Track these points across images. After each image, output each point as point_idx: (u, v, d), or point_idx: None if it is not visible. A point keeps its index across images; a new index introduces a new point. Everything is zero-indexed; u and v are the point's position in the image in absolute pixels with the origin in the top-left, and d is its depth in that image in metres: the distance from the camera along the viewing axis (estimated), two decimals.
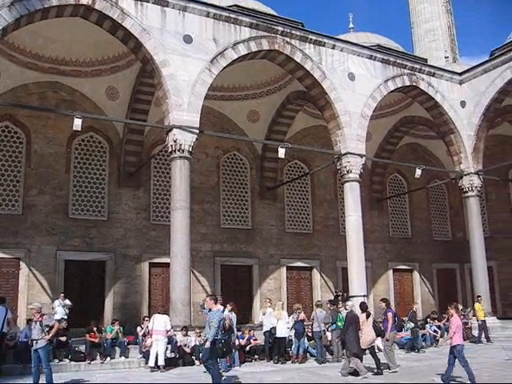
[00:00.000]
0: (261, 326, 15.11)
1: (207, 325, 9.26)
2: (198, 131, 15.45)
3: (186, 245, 14.80)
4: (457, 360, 9.74)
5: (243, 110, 21.93)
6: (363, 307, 11.91)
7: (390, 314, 11.87)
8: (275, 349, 14.08)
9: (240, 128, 22.12)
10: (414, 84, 20.57)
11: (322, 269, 23.48)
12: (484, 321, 18.18)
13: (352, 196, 18.32)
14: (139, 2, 15.18)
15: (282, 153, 17.49)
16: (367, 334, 11.35)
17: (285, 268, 22.66)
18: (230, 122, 22.08)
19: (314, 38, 18.24)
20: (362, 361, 11.26)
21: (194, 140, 15.36)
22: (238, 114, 21.99)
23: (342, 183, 19.21)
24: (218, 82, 19.43)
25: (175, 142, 15.13)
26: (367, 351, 11.71)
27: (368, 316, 11.51)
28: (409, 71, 20.46)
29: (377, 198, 25.70)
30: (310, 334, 14.77)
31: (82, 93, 19.34)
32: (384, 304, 12.33)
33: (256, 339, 14.94)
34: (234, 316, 13.36)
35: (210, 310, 9.45)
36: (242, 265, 21.79)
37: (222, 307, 10.34)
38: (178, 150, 15.14)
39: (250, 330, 15.37)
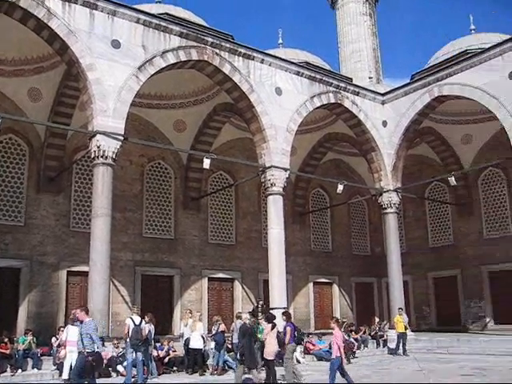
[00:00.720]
0: (181, 337, 14.99)
1: (81, 337, 8.89)
2: (122, 138, 15.18)
3: (106, 253, 14.42)
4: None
5: (170, 118, 21.78)
6: (270, 318, 11.88)
7: (288, 328, 11.91)
8: (191, 360, 14.00)
9: (166, 137, 21.94)
10: (339, 102, 21.15)
11: (244, 280, 23.55)
12: (404, 333, 18.83)
13: (275, 209, 18.54)
14: (67, 3, 14.81)
15: (207, 163, 17.47)
16: (271, 345, 11.37)
17: (206, 279, 22.56)
18: (156, 131, 21.86)
19: (243, 51, 18.42)
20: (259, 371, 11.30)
21: (118, 147, 15.08)
22: (164, 123, 21.82)
23: (265, 196, 19.41)
24: (146, 89, 19.27)
25: (98, 148, 14.78)
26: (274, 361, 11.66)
27: (273, 327, 11.52)
28: (334, 89, 21.02)
29: (299, 211, 26.12)
30: (229, 346, 14.77)
31: (2, 92, 18.58)
32: (284, 317, 12.34)
33: (175, 351, 14.79)
34: (152, 327, 13.16)
35: (81, 321, 9.16)
36: (163, 275, 21.51)
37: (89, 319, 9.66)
38: (101, 157, 14.79)
39: (169, 342, 15.21)
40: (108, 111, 14.98)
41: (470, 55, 20.54)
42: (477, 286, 24.68)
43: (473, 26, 26.49)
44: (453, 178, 20.77)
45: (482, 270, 24.55)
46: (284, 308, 17.04)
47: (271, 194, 18.64)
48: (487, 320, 24.17)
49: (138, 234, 21.05)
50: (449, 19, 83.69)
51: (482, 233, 24.93)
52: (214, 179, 23.74)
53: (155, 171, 22.15)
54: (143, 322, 12.42)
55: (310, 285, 25.93)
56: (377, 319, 26.53)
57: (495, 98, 18.85)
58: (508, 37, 19.89)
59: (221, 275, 23.02)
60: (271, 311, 14.95)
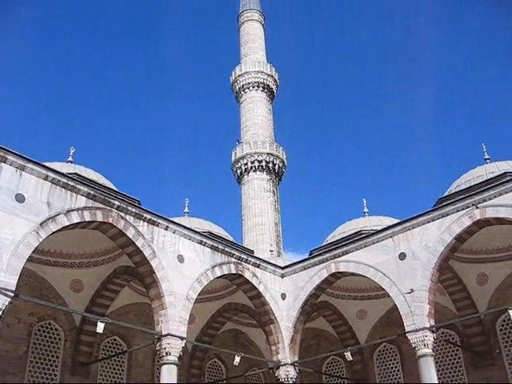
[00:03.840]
0: None
1: None
2: (12, 294, 14.43)
3: None
4: None
5: (67, 277, 21.08)
6: None
7: None
8: None
9: (61, 296, 21.02)
10: (240, 273, 21.51)
11: None
12: None
13: (168, 379, 17.67)
14: None
15: (100, 328, 16.78)
16: None
17: None
18: (52, 289, 20.95)
19: (148, 216, 18.73)
20: None
21: (7, 303, 14.23)
22: (60, 281, 21.03)
23: (159, 365, 18.57)
24: (46, 245, 18.84)
25: None
26: None
27: None
28: (236, 260, 21.47)
29: (194, 382, 24.98)
30: None
31: None
32: None
33: None
34: None
35: None
36: None
37: None
38: None
39: None
40: (1, 265, 14.35)
41: (364, 235, 21.88)
42: None
43: (366, 209, 28.56)
44: (349, 353, 21.01)
45: None
46: None
47: (165, 364, 17.87)
48: None
49: None
50: (345, 203, 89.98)
51: None
52: (107, 344, 22.58)
53: (44, 332, 20.83)
54: None
55: None
56: None
57: (387, 276, 19.89)
58: (397, 220, 21.60)
59: None
60: None
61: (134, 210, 18.35)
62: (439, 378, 20.03)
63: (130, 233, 18.09)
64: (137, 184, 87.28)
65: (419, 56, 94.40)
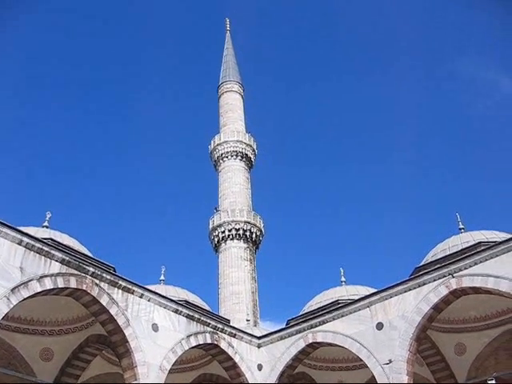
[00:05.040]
0: None
1: None
2: None
3: None
4: None
5: (37, 345, 20.37)
6: None
7: None
8: None
9: (29, 365, 20.25)
10: (216, 342, 21.06)
11: None
12: None
13: None
14: None
15: None
16: None
17: None
18: (20, 357, 20.12)
19: (123, 284, 18.45)
20: None
21: None
22: (30, 350, 20.32)
23: None
24: (16, 312, 18.35)
25: None
26: None
27: None
28: (212, 329, 21.07)
29: None
30: None
31: None
32: None
33: None
34: None
35: None
36: None
37: None
38: None
39: None
40: None
41: (341, 305, 21.70)
42: None
43: (343, 278, 28.47)
44: None
45: None
46: None
47: None
48: None
49: None
50: (322, 272, 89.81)
51: None
52: None
53: None
54: None
55: None
56: None
57: (365, 346, 19.61)
58: (374, 290, 21.53)
59: None
60: None
61: (108, 276, 18.08)
62: None
63: (104, 300, 17.75)
64: (112, 250, 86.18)
65: (396, 122, 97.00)
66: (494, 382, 17.21)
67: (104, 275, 17.94)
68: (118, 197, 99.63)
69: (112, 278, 18.20)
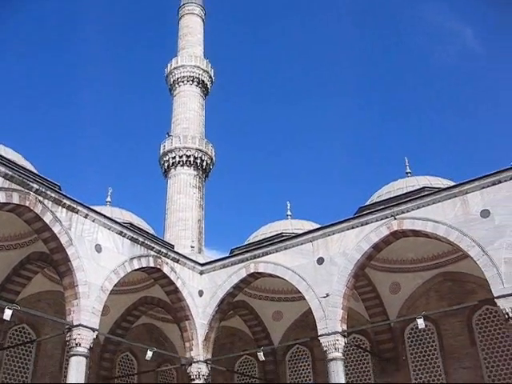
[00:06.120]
0: None
1: None
2: None
3: None
4: None
5: None
6: None
7: None
8: None
9: None
10: (158, 266, 21.23)
11: None
12: None
13: (76, 371, 17.14)
14: None
15: (7, 315, 16.11)
16: None
17: None
18: None
19: (68, 202, 18.16)
20: None
21: None
22: None
23: (68, 356, 18.05)
24: None
25: None
26: None
27: None
28: (155, 253, 21.18)
29: (105, 376, 24.49)
30: None
31: None
32: None
33: None
34: None
35: None
36: None
37: None
38: None
39: None
40: None
41: (284, 238, 22.11)
42: None
43: (289, 212, 28.93)
44: (261, 353, 21.17)
45: None
46: None
47: (75, 355, 17.37)
48: None
49: None
50: (269, 205, 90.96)
51: None
52: (14, 332, 21.73)
53: None
54: None
55: None
56: None
57: (304, 279, 20.16)
58: (318, 226, 21.96)
59: None
60: None
61: (53, 194, 17.73)
62: (347, 381, 20.52)
63: (48, 218, 17.47)
64: (58, 169, 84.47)
65: (354, 62, 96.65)
66: (422, 320, 18.03)
67: (48, 193, 17.58)
68: (67, 115, 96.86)
69: (56, 196, 17.86)
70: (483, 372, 20.84)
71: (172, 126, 43.91)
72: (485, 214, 17.19)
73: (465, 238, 17.30)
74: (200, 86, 45.41)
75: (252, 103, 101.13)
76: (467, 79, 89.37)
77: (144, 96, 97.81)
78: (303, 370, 25.36)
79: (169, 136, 43.04)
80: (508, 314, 15.98)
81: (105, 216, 19.89)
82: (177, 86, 45.29)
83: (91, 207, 19.55)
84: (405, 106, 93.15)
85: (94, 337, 17.97)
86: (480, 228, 17.13)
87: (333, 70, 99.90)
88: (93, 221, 19.04)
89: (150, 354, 20.28)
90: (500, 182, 17.29)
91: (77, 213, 18.50)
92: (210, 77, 46.83)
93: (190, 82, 45.09)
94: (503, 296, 16.15)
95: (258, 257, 21.83)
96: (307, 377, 25.15)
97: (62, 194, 18.21)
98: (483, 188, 17.54)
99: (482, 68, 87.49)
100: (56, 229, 17.67)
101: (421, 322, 17.98)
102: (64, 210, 18.07)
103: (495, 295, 16.35)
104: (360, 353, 23.75)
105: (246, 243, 27.01)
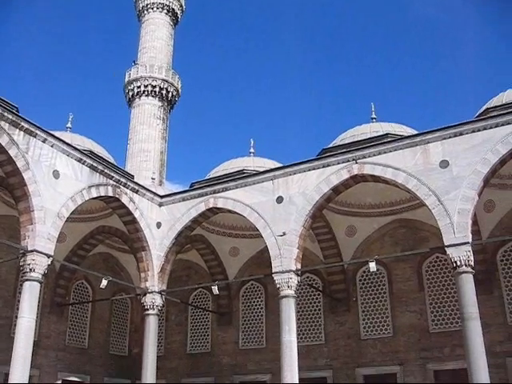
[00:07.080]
0: None
1: None
2: None
3: None
4: None
5: None
6: None
7: None
8: None
9: None
10: (117, 196, 21.03)
11: None
12: None
13: (30, 296, 17.12)
14: None
15: None
16: None
17: None
18: None
19: (25, 125, 17.60)
20: None
21: None
22: None
23: (22, 281, 17.96)
24: None
25: None
26: None
27: None
28: (114, 183, 20.92)
29: (58, 302, 24.59)
30: None
31: None
32: None
33: None
34: None
35: None
36: None
37: None
38: None
39: None
40: None
41: (245, 175, 22.11)
42: None
43: (252, 150, 28.82)
44: (216, 287, 21.54)
45: (235, 379, 25.06)
46: None
47: (28, 280, 17.29)
48: None
49: None
50: (232, 140, 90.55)
51: (238, 343, 25.72)
52: None
53: None
54: None
55: (59, 383, 23.97)
56: None
57: (262, 217, 20.26)
58: (280, 165, 21.94)
59: None
60: None
61: (10, 116, 17.12)
62: (298, 319, 21.09)
63: (4, 140, 16.93)
64: (17, 90, 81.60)
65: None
66: (374, 263, 18.50)
67: (5, 114, 16.95)
68: (31, 36, 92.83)
69: (14, 118, 17.25)
70: (428, 316, 21.72)
71: (139, 55, 42.75)
72: (444, 164, 17.44)
73: (422, 187, 17.58)
74: (170, 14, 44.05)
75: (220, 39, 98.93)
76: (445, 30, 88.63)
77: (112, 21, 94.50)
78: (256, 305, 25.93)
79: (135, 64, 41.94)
80: (456, 263, 16.49)
81: (64, 142, 19.39)
82: (146, 12, 43.82)
83: (50, 132, 19.02)
84: (378, 52, 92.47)
85: (49, 263, 17.86)
86: (438, 178, 17.41)
87: (305, 12, 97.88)
88: (51, 146, 18.57)
89: (104, 282, 20.38)
90: (461, 134, 17.48)
91: (35, 137, 18.00)
92: (181, 5, 45.42)
93: (160, 10, 43.69)
94: (453, 245, 16.63)
95: (218, 192, 21.77)
96: (259, 312, 25.75)
97: (19, 117, 17.59)
98: (444, 139, 17.73)
99: (458, 19, 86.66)
100: (12, 152, 17.17)
101: (372, 265, 18.47)
102: (22, 133, 17.53)
103: (446, 244, 16.82)
104: (312, 292, 24.35)
105: (206, 178, 26.94)
